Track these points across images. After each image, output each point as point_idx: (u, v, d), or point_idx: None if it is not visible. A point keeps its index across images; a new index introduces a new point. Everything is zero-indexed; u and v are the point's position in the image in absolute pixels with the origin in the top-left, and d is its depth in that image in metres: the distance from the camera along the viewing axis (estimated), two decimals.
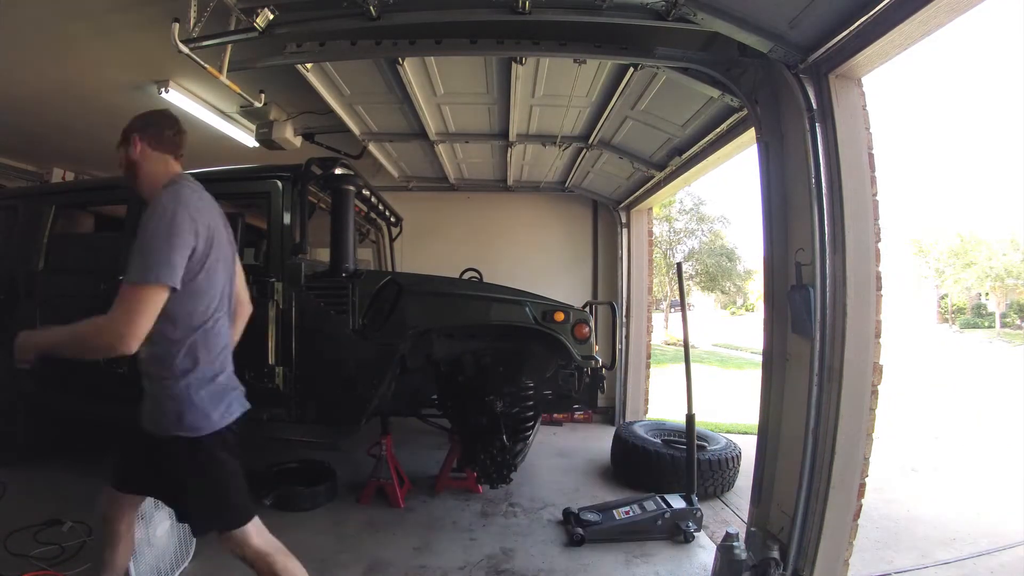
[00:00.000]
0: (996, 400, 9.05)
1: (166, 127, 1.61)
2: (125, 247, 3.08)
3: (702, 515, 2.97)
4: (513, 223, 5.89)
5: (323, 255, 3.02)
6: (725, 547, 2.34)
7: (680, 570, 2.61)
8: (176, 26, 2.25)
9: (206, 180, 3.26)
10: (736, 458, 3.74)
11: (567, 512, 3.05)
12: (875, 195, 2.16)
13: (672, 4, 2.07)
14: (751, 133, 2.68)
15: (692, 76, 2.66)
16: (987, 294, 27.28)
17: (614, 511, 2.98)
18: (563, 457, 4.38)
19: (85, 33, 2.83)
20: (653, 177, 4.33)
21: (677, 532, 2.87)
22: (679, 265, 3.43)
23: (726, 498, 3.67)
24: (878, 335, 2.15)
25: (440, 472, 3.54)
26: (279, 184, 2.87)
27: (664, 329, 20.96)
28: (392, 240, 4.54)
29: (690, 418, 3.13)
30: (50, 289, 3.26)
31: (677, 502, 2.99)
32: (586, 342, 2.78)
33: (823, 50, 2.03)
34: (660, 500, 3.03)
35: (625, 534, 2.88)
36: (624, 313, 5.40)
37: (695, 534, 2.88)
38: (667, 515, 2.91)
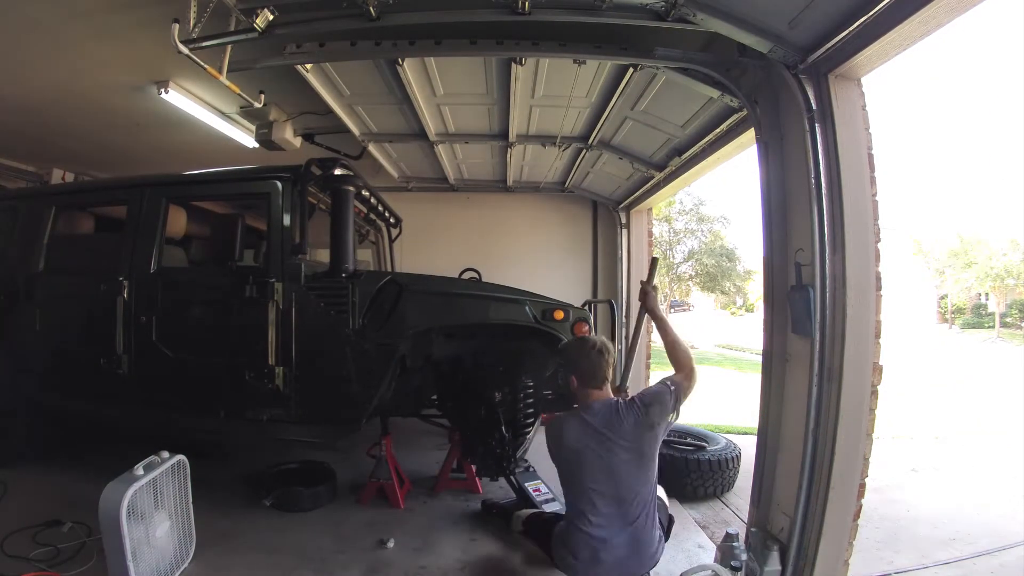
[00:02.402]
0: (996, 400, 9.05)
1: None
2: (124, 248, 3.10)
3: None
4: (513, 223, 5.90)
5: (323, 256, 3.02)
6: (725, 547, 2.33)
7: (680, 570, 2.61)
8: (176, 26, 2.24)
9: (207, 181, 3.35)
10: (736, 458, 3.74)
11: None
12: (875, 195, 2.16)
13: (672, 4, 2.07)
14: (751, 133, 2.68)
15: (692, 76, 2.66)
16: (987, 294, 27.27)
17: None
18: None
19: (85, 33, 2.84)
20: (653, 177, 4.33)
21: None
22: (654, 259, 3.18)
23: (726, 498, 3.67)
24: (878, 335, 2.15)
25: (440, 472, 3.53)
26: (279, 185, 2.87)
27: None
28: (392, 241, 4.54)
29: None
30: (50, 290, 3.26)
31: None
32: None
33: (823, 50, 2.03)
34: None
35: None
36: (624, 314, 5.40)
37: None
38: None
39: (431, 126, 3.88)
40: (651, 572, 2.22)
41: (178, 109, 3.65)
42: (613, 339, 5.13)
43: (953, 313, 29.82)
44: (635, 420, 2.04)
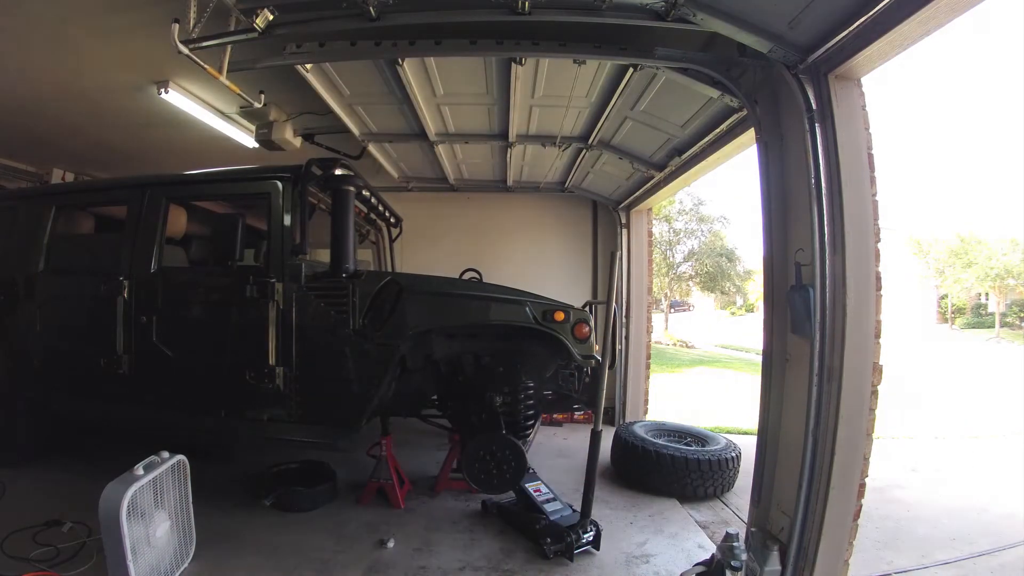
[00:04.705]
0: (997, 401, 9.05)
1: None
2: (125, 248, 3.10)
3: (571, 544, 2.66)
4: (513, 223, 5.90)
5: (323, 256, 3.02)
6: (725, 547, 2.33)
7: (680, 570, 2.61)
8: (176, 27, 2.24)
9: (207, 181, 3.35)
10: (736, 458, 3.74)
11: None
12: (875, 195, 2.16)
13: (672, 4, 2.07)
14: (751, 133, 2.68)
15: (692, 76, 2.66)
16: (987, 294, 27.26)
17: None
18: (563, 457, 4.38)
19: (85, 33, 2.84)
20: (653, 177, 4.33)
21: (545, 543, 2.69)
22: (613, 254, 2.94)
23: (726, 498, 3.67)
24: (878, 335, 2.15)
25: (440, 472, 3.54)
26: (279, 185, 2.87)
27: (664, 330, 20.96)
28: (392, 241, 4.54)
29: (595, 435, 2.87)
30: (51, 290, 3.26)
31: (570, 518, 2.86)
32: (586, 342, 2.79)
33: (823, 50, 2.03)
34: (568, 508, 2.97)
35: (515, 517, 3.03)
36: (624, 313, 5.40)
37: (551, 555, 2.66)
38: (544, 523, 2.83)
39: (431, 126, 3.88)
40: (652, 571, 2.24)
41: (178, 109, 3.65)
42: (613, 339, 5.16)
43: (953, 313, 29.81)
44: None
